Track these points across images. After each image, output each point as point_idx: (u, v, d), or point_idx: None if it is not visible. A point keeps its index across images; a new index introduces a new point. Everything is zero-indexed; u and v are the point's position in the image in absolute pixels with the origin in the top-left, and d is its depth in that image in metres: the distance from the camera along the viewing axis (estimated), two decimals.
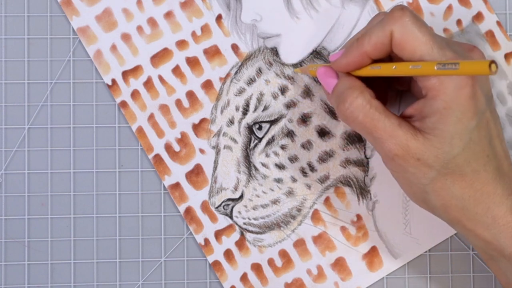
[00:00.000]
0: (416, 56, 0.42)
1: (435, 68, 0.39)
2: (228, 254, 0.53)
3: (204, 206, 0.53)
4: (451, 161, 0.42)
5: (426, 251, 0.53)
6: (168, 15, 0.53)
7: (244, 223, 0.53)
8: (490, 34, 0.53)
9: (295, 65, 0.53)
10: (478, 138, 0.43)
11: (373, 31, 0.43)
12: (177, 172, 0.53)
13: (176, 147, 0.53)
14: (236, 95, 0.53)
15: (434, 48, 0.41)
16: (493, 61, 0.36)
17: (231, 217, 0.53)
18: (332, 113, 0.53)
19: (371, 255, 0.53)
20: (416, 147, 0.42)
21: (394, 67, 0.42)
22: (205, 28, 0.53)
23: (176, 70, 0.53)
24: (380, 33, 0.43)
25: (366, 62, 0.44)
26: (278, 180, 0.53)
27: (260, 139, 0.53)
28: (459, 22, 0.53)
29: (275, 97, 0.53)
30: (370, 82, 0.45)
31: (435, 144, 0.42)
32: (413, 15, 0.42)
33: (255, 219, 0.53)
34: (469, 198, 0.43)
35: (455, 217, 0.44)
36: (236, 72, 0.53)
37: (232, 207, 0.53)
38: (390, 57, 0.45)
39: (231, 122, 0.53)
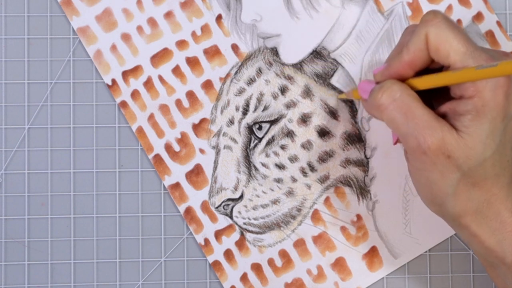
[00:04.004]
0: (451, 57, 0.42)
1: (475, 68, 0.39)
2: (228, 254, 0.53)
3: (204, 206, 0.53)
4: (481, 163, 0.42)
5: (426, 251, 0.53)
6: (168, 15, 0.53)
7: (244, 223, 0.53)
8: (490, 34, 0.53)
9: (295, 65, 0.53)
10: (504, 141, 0.43)
11: (409, 40, 0.43)
12: (177, 172, 0.53)
13: (176, 147, 0.53)
14: (236, 95, 0.53)
15: (469, 47, 0.41)
16: None
17: (231, 217, 0.53)
18: (332, 113, 0.53)
19: (371, 255, 0.53)
20: (451, 143, 0.42)
21: (435, 76, 0.42)
22: (205, 28, 0.53)
23: (176, 70, 0.53)
24: (416, 39, 0.43)
25: (409, 74, 0.44)
26: (278, 180, 0.53)
27: (260, 139, 0.53)
28: (459, 22, 0.53)
29: (275, 97, 0.53)
30: None
31: (469, 143, 0.42)
32: (445, 16, 0.42)
33: (255, 219, 0.53)
34: (483, 201, 0.43)
35: (465, 222, 0.44)
36: (236, 72, 0.53)
37: (232, 207, 0.53)
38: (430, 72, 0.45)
39: (231, 122, 0.53)
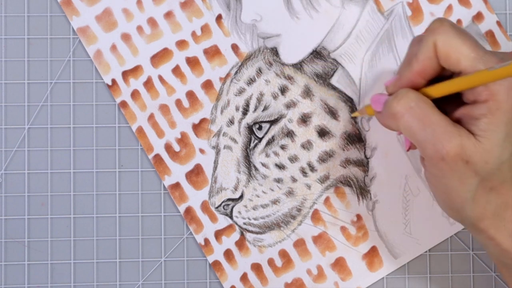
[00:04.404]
0: (462, 63, 0.41)
1: (488, 69, 0.39)
2: (228, 254, 0.53)
3: (204, 206, 0.53)
4: (499, 167, 0.42)
5: (426, 251, 0.53)
6: (168, 15, 0.53)
7: (244, 223, 0.53)
8: (490, 34, 0.53)
9: (295, 65, 0.53)
10: None
11: (418, 49, 0.43)
12: (177, 172, 0.53)
13: (176, 147, 0.53)
14: (236, 95, 0.53)
15: (479, 52, 0.41)
16: None
17: (231, 217, 0.53)
18: (332, 113, 0.53)
19: (371, 255, 0.53)
20: (469, 148, 0.41)
21: (449, 83, 0.42)
22: (205, 28, 0.53)
23: (176, 70, 0.53)
24: (424, 48, 0.42)
25: (421, 84, 0.44)
26: (278, 180, 0.53)
27: (260, 139, 0.53)
28: (459, 22, 0.53)
29: (275, 97, 0.53)
30: None
31: (487, 147, 0.41)
32: (452, 23, 0.42)
33: (255, 219, 0.53)
34: (501, 205, 0.43)
35: (484, 226, 0.44)
36: (236, 72, 0.53)
37: (232, 207, 0.53)
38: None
39: (231, 122, 0.53)
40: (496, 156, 0.42)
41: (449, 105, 0.44)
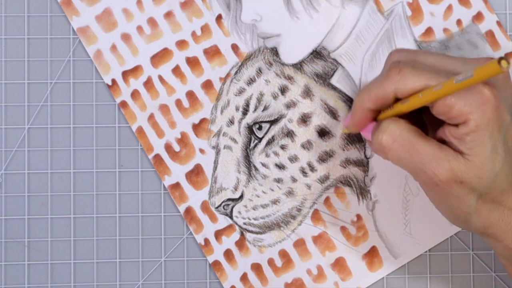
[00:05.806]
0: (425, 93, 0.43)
1: (454, 82, 0.40)
2: (228, 254, 0.53)
3: (204, 206, 0.53)
4: (494, 179, 0.42)
5: (426, 251, 0.53)
6: (168, 15, 0.53)
7: (244, 223, 0.53)
8: (490, 34, 0.53)
9: (295, 65, 0.53)
10: (508, 149, 0.43)
11: (373, 89, 0.44)
12: (177, 172, 0.53)
13: (176, 147, 0.53)
14: (236, 95, 0.53)
15: (440, 79, 0.42)
16: (501, 58, 0.36)
17: (231, 217, 0.53)
18: (332, 113, 0.53)
19: (371, 255, 0.53)
20: (459, 169, 0.42)
21: (420, 95, 0.42)
22: (205, 28, 0.53)
23: (176, 70, 0.53)
24: (380, 90, 0.44)
25: (374, 116, 0.46)
26: (278, 180, 0.53)
27: (260, 139, 0.53)
28: (459, 22, 0.53)
29: (275, 97, 0.53)
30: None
31: (477, 163, 0.42)
32: (407, 63, 0.43)
33: (255, 219, 0.53)
34: (505, 210, 0.44)
35: (491, 232, 0.44)
36: (236, 72, 0.53)
37: (232, 207, 0.53)
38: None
39: (231, 122, 0.53)
40: (488, 169, 0.42)
41: (435, 122, 0.45)
